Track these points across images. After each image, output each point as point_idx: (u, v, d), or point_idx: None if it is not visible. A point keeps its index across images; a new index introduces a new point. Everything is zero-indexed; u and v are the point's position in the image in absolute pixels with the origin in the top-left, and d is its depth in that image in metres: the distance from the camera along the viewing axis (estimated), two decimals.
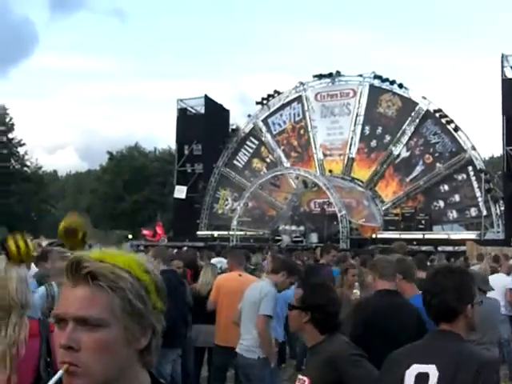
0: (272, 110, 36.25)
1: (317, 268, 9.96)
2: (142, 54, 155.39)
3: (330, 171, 33.23)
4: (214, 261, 11.56)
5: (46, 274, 7.34)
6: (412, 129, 31.59)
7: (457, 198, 29.97)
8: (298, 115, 35.47)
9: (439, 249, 23.18)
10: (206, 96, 36.47)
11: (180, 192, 35.17)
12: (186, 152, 36.01)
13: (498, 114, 28.11)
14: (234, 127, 39.44)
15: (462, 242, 22.93)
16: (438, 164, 30.53)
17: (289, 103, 35.87)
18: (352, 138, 33.44)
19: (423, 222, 28.74)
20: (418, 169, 31.13)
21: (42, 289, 5.78)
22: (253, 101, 38.13)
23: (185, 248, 19.11)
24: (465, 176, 29.92)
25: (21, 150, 56.85)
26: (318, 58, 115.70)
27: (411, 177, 31.26)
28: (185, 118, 36.62)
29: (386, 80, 32.64)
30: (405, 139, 31.81)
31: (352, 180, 32.96)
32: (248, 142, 36.64)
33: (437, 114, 30.73)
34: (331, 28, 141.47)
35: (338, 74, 34.29)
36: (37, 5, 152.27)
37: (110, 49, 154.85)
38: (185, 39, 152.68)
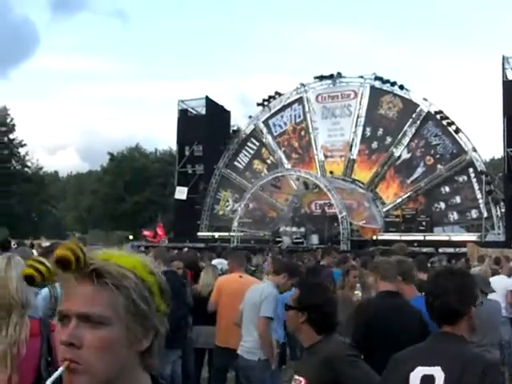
0: (273, 111, 36.24)
1: (317, 269, 9.97)
2: (144, 55, 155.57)
3: (331, 172, 33.22)
4: (214, 262, 11.56)
5: None
6: (413, 130, 31.58)
7: (458, 199, 29.96)
8: (299, 116, 35.46)
9: (440, 250, 23.17)
10: (206, 97, 36.47)
11: (181, 193, 35.18)
12: (187, 153, 36.00)
13: (498, 115, 28.15)
14: (234, 128, 39.43)
15: (462, 243, 22.90)
16: (438, 166, 30.52)
17: (290, 104, 35.86)
18: (353, 139, 33.43)
19: (424, 223, 28.75)
20: (419, 170, 31.12)
21: (46, 290, 5.78)
22: (254, 102, 38.23)
23: (185, 249, 19.11)
24: (466, 178, 29.91)
25: (22, 151, 57.02)
26: (319, 60, 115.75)
27: (412, 178, 31.25)
28: (186, 119, 36.62)
29: (387, 81, 32.64)
30: (406, 141, 31.80)
31: (353, 181, 32.95)
32: (249, 144, 36.63)
33: (438, 116, 30.72)
34: (332, 29, 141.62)
35: (339, 75, 34.29)
36: (38, 5, 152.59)
37: (112, 50, 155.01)
38: (186, 40, 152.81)
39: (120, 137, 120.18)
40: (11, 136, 55.94)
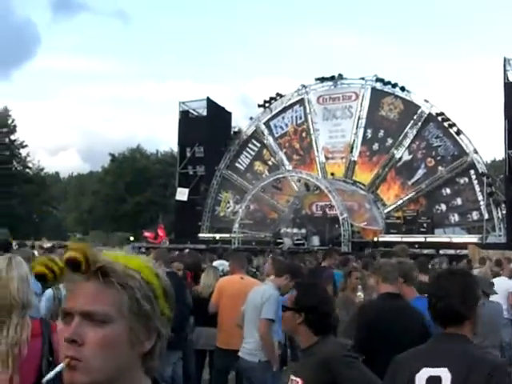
0: (274, 112, 36.23)
1: (318, 270, 9.97)
2: (145, 55, 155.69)
3: (332, 174, 33.20)
4: (215, 263, 11.57)
5: None
6: (414, 132, 31.56)
7: (459, 201, 29.93)
8: (300, 118, 35.45)
9: (441, 252, 23.17)
10: (208, 98, 36.47)
11: (182, 194, 35.18)
12: (188, 154, 35.99)
13: (500, 117, 28.12)
14: (236, 130, 39.40)
15: (463, 245, 22.91)
16: (439, 167, 30.49)
17: (291, 106, 35.84)
18: (354, 140, 33.41)
19: (425, 225, 28.71)
20: (420, 172, 31.10)
21: (50, 291, 5.78)
22: (255, 103, 38.27)
23: (186, 250, 19.10)
24: (467, 179, 29.88)
25: (23, 152, 57.09)
26: (321, 61, 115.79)
27: (413, 180, 31.23)
28: (187, 121, 36.62)
29: (388, 83, 32.62)
30: (407, 142, 31.77)
31: (354, 183, 32.93)
32: (250, 145, 36.63)
33: (439, 118, 30.69)
34: (333, 31, 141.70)
35: (340, 77, 34.28)
36: (39, 6, 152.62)
37: (113, 51, 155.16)
38: (187, 41, 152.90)
39: (121, 138, 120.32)
40: (12, 137, 56.03)
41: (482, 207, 28.78)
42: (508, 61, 28.01)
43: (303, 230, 29.87)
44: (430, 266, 10.56)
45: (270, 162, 35.95)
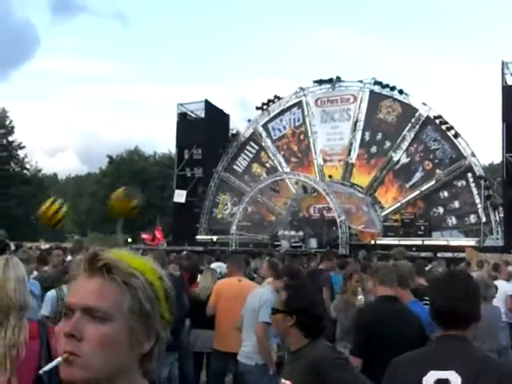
0: (272, 115, 36.21)
1: (316, 273, 9.99)
2: (143, 57, 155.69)
3: (330, 177, 33.21)
4: (213, 265, 11.55)
5: (47, 276, 7.35)
6: (412, 135, 31.57)
7: (456, 204, 29.94)
8: (298, 120, 35.46)
9: (438, 255, 23.15)
10: (206, 100, 36.47)
11: (179, 196, 35.15)
12: (186, 156, 35.98)
13: (497, 120, 28.13)
14: (233, 132, 39.38)
15: (461, 248, 22.93)
16: (437, 170, 30.49)
17: (289, 108, 35.84)
18: (352, 143, 33.42)
19: (422, 228, 28.70)
20: (418, 175, 31.10)
21: (53, 292, 5.79)
22: (253, 106, 38.13)
23: (184, 252, 19.06)
24: (464, 183, 29.89)
25: (21, 153, 56.96)
26: (319, 64, 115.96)
27: (411, 183, 31.24)
28: (185, 123, 36.62)
29: (387, 86, 32.63)
30: (405, 145, 31.78)
31: (352, 186, 32.93)
32: (248, 147, 36.63)
33: (437, 121, 30.70)
34: (332, 33, 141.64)
35: (338, 79, 34.29)
36: (38, 8, 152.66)
37: (111, 52, 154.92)
38: (186, 43, 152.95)
39: (119, 139, 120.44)
40: (10, 138, 55.94)
41: (480, 210, 28.78)
42: (506, 64, 28.03)
43: (301, 233, 29.84)
44: (427, 269, 10.57)
45: (267, 165, 35.95)
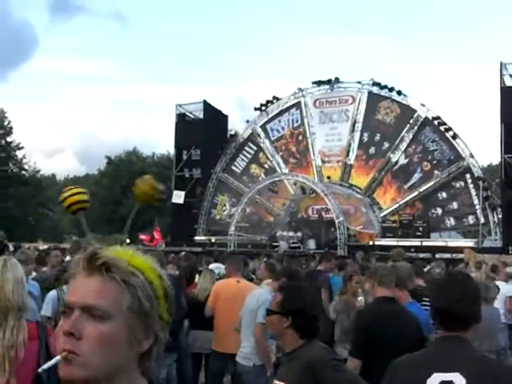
0: (271, 115, 36.23)
1: (315, 274, 9.99)
2: (142, 58, 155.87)
3: (328, 177, 33.22)
4: (211, 266, 11.55)
5: (46, 277, 7.35)
6: (410, 136, 31.58)
7: (454, 205, 29.95)
8: (297, 121, 35.47)
9: (437, 256, 23.15)
10: (204, 101, 36.47)
11: (178, 197, 35.13)
12: (185, 157, 35.97)
13: (496, 121, 28.14)
14: (232, 133, 39.42)
15: (459, 249, 22.93)
16: (436, 171, 30.51)
17: (287, 109, 35.85)
18: (350, 144, 33.44)
19: (421, 229, 28.72)
20: (416, 176, 31.12)
21: (54, 292, 5.78)
22: (251, 107, 38.16)
23: (182, 253, 19.07)
24: (463, 183, 29.91)
25: (19, 154, 56.88)
26: (317, 65, 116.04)
27: (409, 184, 31.25)
28: (183, 123, 36.61)
29: (385, 87, 32.66)
30: (403, 146, 31.80)
31: (350, 187, 32.94)
32: (246, 148, 36.63)
33: (435, 122, 30.72)
34: (330, 34, 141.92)
35: (337, 80, 34.31)
36: (37, 8, 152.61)
37: (110, 53, 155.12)
38: (185, 44, 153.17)
39: (117, 140, 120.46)
40: (8, 139, 55.88)
41: (478, 211, 28.81)
42: (504, 65, 28.06)
43: (299, 234, 29.84)
44: (425, 270, 10.57)
45: (266, 165, 35.95)
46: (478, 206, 28.88)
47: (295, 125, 35.48)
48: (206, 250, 25.69)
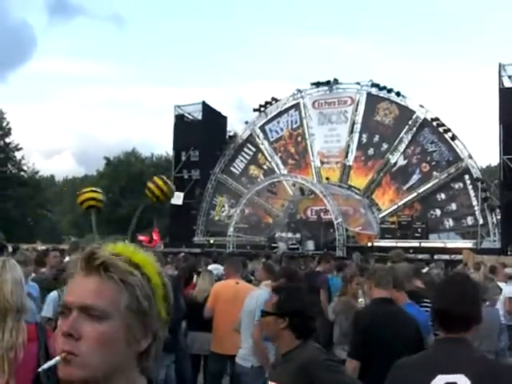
0: (269, 116, 36.24)
1: (313, 275, 9.99)
2: (141, 59, 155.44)
3: (327, 179, 33.24)
4: (210, 267, 11.54)
5: (44, 278, 7.34)
6: (409, 137, 31.61)
7: (453, 206, 29.97)
8: (296, 122, 35.49)
9: (435, 257, 23.18)
10: (203, 102, 36.47)
11: (177, 198, 35.02)
12: (183, 158, 35.96)
13: (495, 123, 28.16)
14: (231, 134, 39.43)
15: (458, 250, 22.95)
16: (434, 172, 30.54)
17: (286, 110, 35.87)
18: (349, 145, 33.47)
19: (420, 230, 28.77)
20: (415, 177, 31.14)
21: (55, 293, 5.77)
22: (250, 108, 38.19)
23: (181, 254, 19.05)
24: (461, 185, 29.93)
25: (18, 155, 56.78)
26: (316, 66, 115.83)
27: (408, 185, 31.27)
28: (182, 124, 36.62)
29: (384, 88, 32.68)
30: (402, 147, 31.81)
31: (349, 188, 32.96)
32: (245, 149, 36.64)
33: (434, 123, 30.75)
34: (329, 35, 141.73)
35: (336, 81, 34.34)
36: (35, 9, 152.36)
37: (108, 54, 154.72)
38: (183, 45, 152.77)
39: (116, 141, 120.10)
40: (7, 140, 55.80)
41: (477, 212, 28.83)
42: (503, 66, 28.08)
43: (298, 235, 29.86)
44: (425, 271, 10.57)
45: (265, 166, 35.96)
46: (476, 207, 28.90)
47: (294, 126, 35.49)
48: (205, 251, 25.67)
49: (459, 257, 21.14)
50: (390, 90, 32.41)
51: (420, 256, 23.20)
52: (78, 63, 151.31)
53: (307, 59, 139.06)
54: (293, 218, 32.98)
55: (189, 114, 37.10)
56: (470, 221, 29.39)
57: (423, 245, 27.04)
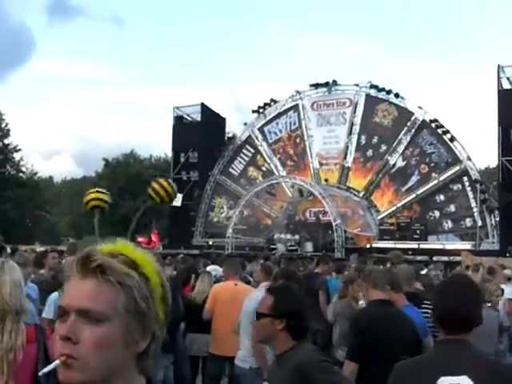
0: (268, 118, 36.26)
1: (312, 276, 9.99)
2: (140, 60, 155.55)
3: (326, 180, 33.24)
4: (208, 268, 11.53)
5: (43, 279, 7.34)
6: (408, 138, 31.62)
7: (452, 208, 29.98)
8: (294, 124, 35.51)
9: (434, 259, 23.20)
10: (202, 104, 36.48)
11: (175, 199, 35.08)
12: (182, 159, 35.98)
13: (493, 124, 28.19)
14: (230, 135, 39.42)
15: (457, 252, 22.94)
16: (433, 174, 30.55)
17: (285, 112, 35.89)
18: (348, 147, 33.48)
19: (418, 231, 28.78)
20: (414, 179, 31.15)
21: (55, 294, 5.77)
22: (249, 109, 38.30)
23: (180, 256, 19.04)
24: (460, 186, 29.94)
25: (16, 156, 56.74)
26: (315, 68, 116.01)
27: (407, 186, 31.28)
28: (181, 126, 36.63)
29: (383, 90, 32.69)
30: (401, 149, 31.83)
31: (348, 189, 32.97)
32: (244, 151, 36.65)
33: (433, 124, 30.76)
34: (328, 37, 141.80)
35: (335, 83, 34.35)
36: (34, 10, 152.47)
37: (108, 55, 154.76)
38: (182, 47, 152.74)
39: (115, 143, 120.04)
40: (6, 141, 55.74)
41: (476, 214, 28.84)
42: (502, 68, 28.10)
43: (296, 236, 29.86)
44: (423, 273, 10.57)
45: (263, 168, 35.97)
46: (475, 209, 28.91)
47: (293, 127, 35.51)
48: (204, 253, 25.66)
49: (458, 258, 21.11)
50: (388, 92, 32.42)
51: (419, 257, 23.21)
52: (77, 64, 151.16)
53: (307, 58, 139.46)
54: (291, 220, 32.98)
55: (188, 115, 37.11)
56: (468, 222, 29.41)
57: (422, 246, 27.04)
